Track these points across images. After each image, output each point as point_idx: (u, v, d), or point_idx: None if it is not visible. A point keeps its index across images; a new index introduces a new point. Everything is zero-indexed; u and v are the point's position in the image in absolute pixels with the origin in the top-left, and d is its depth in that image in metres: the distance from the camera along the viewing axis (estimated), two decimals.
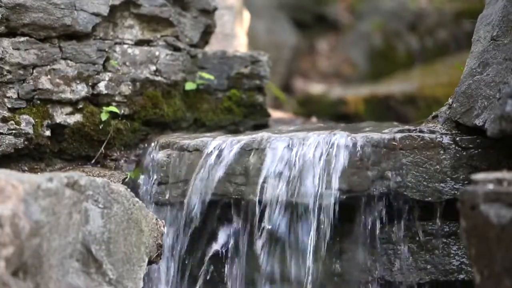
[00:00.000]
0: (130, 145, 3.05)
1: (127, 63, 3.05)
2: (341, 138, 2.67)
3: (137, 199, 2.36)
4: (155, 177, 2.82)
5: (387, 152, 2.64)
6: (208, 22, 3.27)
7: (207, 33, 3.30)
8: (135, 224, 2.33)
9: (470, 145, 2.65)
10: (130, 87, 3.04)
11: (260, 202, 2.66)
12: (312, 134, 2.72)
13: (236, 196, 2.69)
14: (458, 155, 2.64)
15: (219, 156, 2.73)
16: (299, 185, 2.63)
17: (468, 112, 2.68)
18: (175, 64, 3.14)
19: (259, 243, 2.67)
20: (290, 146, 2.68)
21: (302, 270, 2.65)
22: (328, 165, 2.63)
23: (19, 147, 2.81)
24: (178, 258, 2.74)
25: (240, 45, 4.28)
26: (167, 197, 2.78)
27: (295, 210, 2.64)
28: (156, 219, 2.43)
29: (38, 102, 2.88)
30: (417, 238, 2.66)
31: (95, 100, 2.99)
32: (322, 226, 2.62)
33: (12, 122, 2.80)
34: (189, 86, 3.18)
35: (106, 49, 2.99)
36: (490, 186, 1.94)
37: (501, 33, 2.69)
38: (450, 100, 2.81)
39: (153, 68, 3.09)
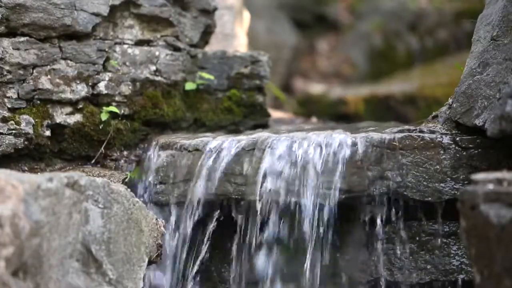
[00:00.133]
0: (130, 145, 3.05)
1: (127, 63, 3.05)
2: (341, 138, 2.67)
3: (137, 199, 2.36)
4: (155, 177, 2.82)
5: (387, 152, 2.64)
6: (208, 22, 3.27)
7: (207, 33, 3.30)
8: (135, 224, 2.33)
9: (470, 145, 2.65)
10: (130, 87, 3.04)
11: (259, 202, 2.65)
12: (312, 134, 2.72)
13: (236, 196, 2.69)
14: (458, 155, 2.64)
15: (219, 156, 2.73)
16: (299, 185, 2.63)
17: (468, 112, 2.68)
18: (175, 64, 3.14)
19: (259, 243, 2.67)
20: (290, 146, 2.68)
21: (302, 270, 2.64)
22: (328, 165, 2.63)
23: (19, 147, 2.81)
24: (178, 258, 2.74)
25: (240, 45, 4.28)
26: (167, 197, 2.78)
27: (295, 210, 2.64)
28: (156, 219, 2.43)
29: (38, 102, 2.88)
30: (417, 238, 2.66)
31: (95, 100, 2.99)
32: (322, 226, 2.62)
33: (12, 122, 2.80)
34: (189, 86, 3.18)
35: (106, 49, 2.99)
36: (490, 186, 1.94)
37: (501, 33, 2.69)
38: (450, 100, 2.81)
39: (153, 68, 3.09)
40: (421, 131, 2.70)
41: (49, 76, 2.88)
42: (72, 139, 2.96)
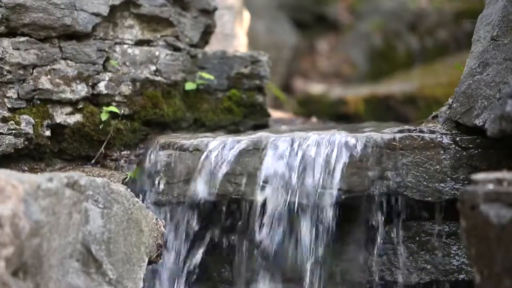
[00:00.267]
0: (130, 145, 3.05)
1: (127, 63, 3.05)
2: (341, 138, 2.67)
3: (137, 199, 2.36)
4: (155, 177, 2.82)
5: (387, 152, 2.64)
6: (208, 22, 3.27)
7: (207, 33, 3.30)
8: (135, 224, 2.33)
9: (470, 145, 2.65)
10: (130, 87, 3.04)
11: (260, 202, 2.66)
12: (312, 134, 2.72)
13: (236, 196, 2.69)
14: (458, 155, 2.64)
15: (219, 156, 2.73)
16: (299, 185, 2.63)
17: (468, 112, 2.68)
18: (175, 64, 3.14)
19: (259, 244, 2.67)
20: (290, 146, 2.68)
21: (302, 270, 2.65)
22: (328, 165, 2.63)
23: (19, 147, 2.81)
24: (178, 258, 2.74)
25: (240, 45, 4.28)
26: (167, 197, 2.78)
27: (295, 210, 2.64)
28: (156, 219, 2.43)
29: (38, 102, 2.87)
30: (417, 238, 2.66)
31: (95, 100, 2.99)
32: (322, 226, 2.62)
33: (12, 122, 2.80)
34: (189, 86, 3.18)
35: (106, 49, 2.99)
36: (490, 186, 1.94)
37: (501, 33, 2.69)
38: (450, 100, 2.81)
39: (153, 68, 3.09)
40: (421, 131, 2.70)
41: (49, 76, 2.88)
42: (72, 139, 2.96)
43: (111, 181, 2.37)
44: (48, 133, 2.89)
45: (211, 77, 3.19)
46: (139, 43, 3.09)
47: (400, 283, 2.64)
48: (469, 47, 2.83)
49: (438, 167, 2.63)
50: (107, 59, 3.00)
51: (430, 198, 2.62)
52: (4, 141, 2.78)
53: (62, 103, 2.92)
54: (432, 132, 2.70)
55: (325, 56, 7.17)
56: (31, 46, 2.85)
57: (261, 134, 2.77)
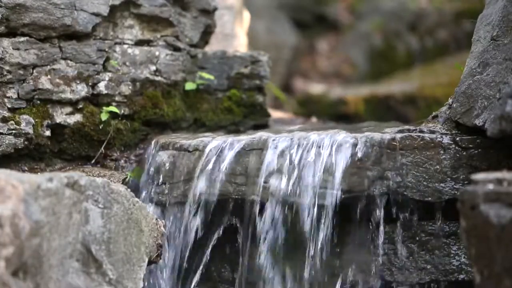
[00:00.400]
0: (130, 145, 3.05)
1: (127, 63, 3.05)
2: (341, 138, 2.67)
3: (137, 199, 2.36)
4: (155, 177, 2.82)
5: (387, 152, 2.64)
6: (208, 22, 3.27)
7: (207, 33, 3.30)
8: (135, 224, 2.33)
9: (470, 145, 2.65)
10: (130, 87, 3.04)
11: (260, 202, 2.66)
12: (312, 134, 2.72)
13: (236, 196, 2.69)
14: (458, 155, 2.64)
15: (219, 156, 2.73)
16: (299, 185, 2.63)
17: (468, 112, 2.68)
18: (175, 64, 3.14)
19: (259, 243, 2.67)
20: (290, 146, 2.68)
21: (302, 270, 2.65)
22: (328, 165, 2.63)
23: (19, 147, 2.81)
24: (178, 258, 2.74)
25: (240, 45, 4.28)
26: (167, 197, 2.78)
27: (295, 210, 2.64)
28: (156, 219, 2.43)
29: (38, 102, 2.88)
30: (417, 238, 2.66)
31: (95, 100, 2.99)
32: (322, 226, 2.62)
33: (12, 122, 2.80)
34: (189, 86, 3.18)
35: (106, 49, 2.99)
36: (490, 186, 1.94)
37: (501, 33, 2.69)
38: (450, 100, 2.81)
39: (153, 68, 3.09)
40: (421, 131, 2.70)
41: (49, 76, 2.88)
42: (72, 139, 2.96)
43: (111, 181, 2.37)
44: (48, 133, 2.89)
45: (211, 77, 3.19)
46: (139, 43, 3.09)
47: (400, 283, 2.64)
48: (469, 47, 2.83)
49: (438, 167, 2.63)
50: (107, 59, 3.00)
51: (430, 198, 2.62)
52: (4, 141, 2.78)
53: (62, 103, 2.92)
54: (432, 132, 2.70)
55: (325, 56, 7.17)
56: (31, 46, 2.85)
57: (261, 134, 2.77)
